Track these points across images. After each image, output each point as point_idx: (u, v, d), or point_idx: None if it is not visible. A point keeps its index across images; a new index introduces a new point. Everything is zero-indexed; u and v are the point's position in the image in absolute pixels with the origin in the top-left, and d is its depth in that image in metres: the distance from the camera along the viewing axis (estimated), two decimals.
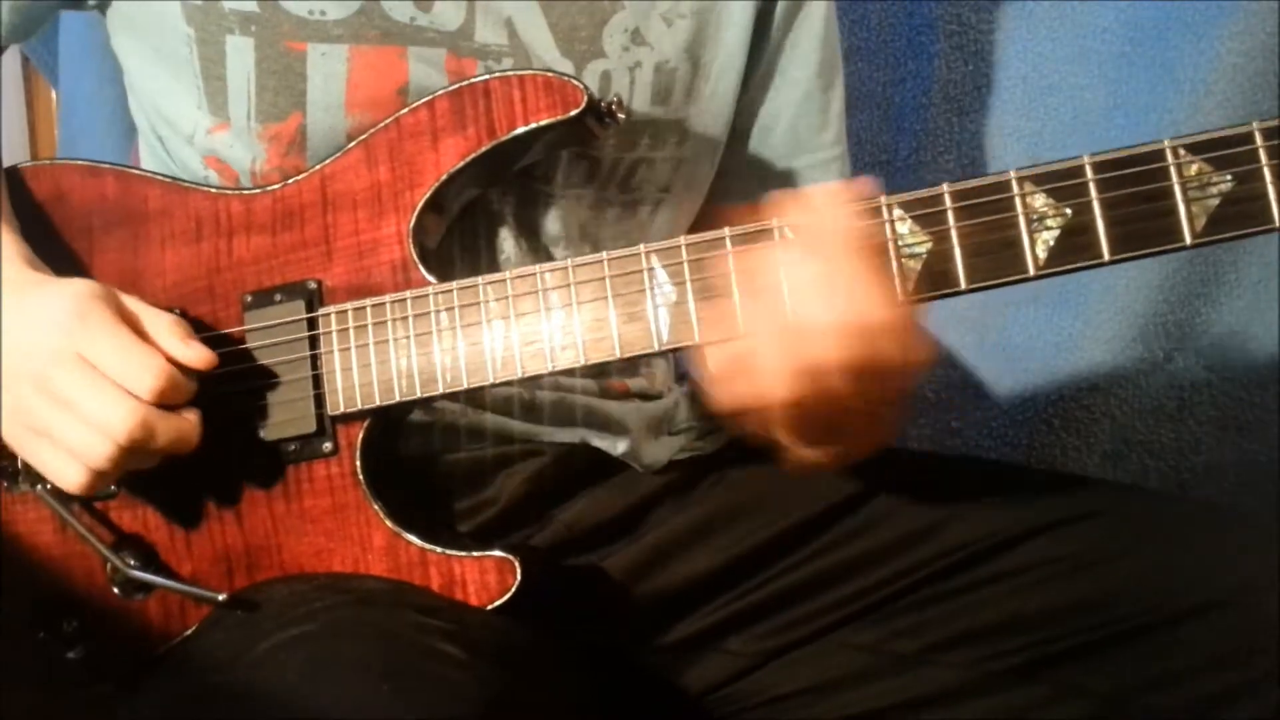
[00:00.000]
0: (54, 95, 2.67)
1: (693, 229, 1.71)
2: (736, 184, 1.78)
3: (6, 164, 1.62)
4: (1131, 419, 2.28)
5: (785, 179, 1.80)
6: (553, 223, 1.62)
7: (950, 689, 1.57)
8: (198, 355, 1.43)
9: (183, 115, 1.58)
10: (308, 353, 1.48)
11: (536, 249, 1.61)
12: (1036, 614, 1.55)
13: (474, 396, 1.57)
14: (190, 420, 1.42)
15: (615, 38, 1.57)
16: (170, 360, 1.41)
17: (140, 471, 1.44)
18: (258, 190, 1.55)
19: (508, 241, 1.59)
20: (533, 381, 1.58)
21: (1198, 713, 1.49)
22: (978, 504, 1.61)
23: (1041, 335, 2.29)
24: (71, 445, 1.39)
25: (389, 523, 1.47)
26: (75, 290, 1.42)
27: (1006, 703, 1.55)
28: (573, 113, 1.45)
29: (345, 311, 1.47)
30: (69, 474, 1.41)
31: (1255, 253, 2.18)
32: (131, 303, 1.45)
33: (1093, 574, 1.54)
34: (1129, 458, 2.30)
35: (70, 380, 1.38)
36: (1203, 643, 1.49)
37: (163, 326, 1.44)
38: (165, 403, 1.40)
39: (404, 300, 1.45)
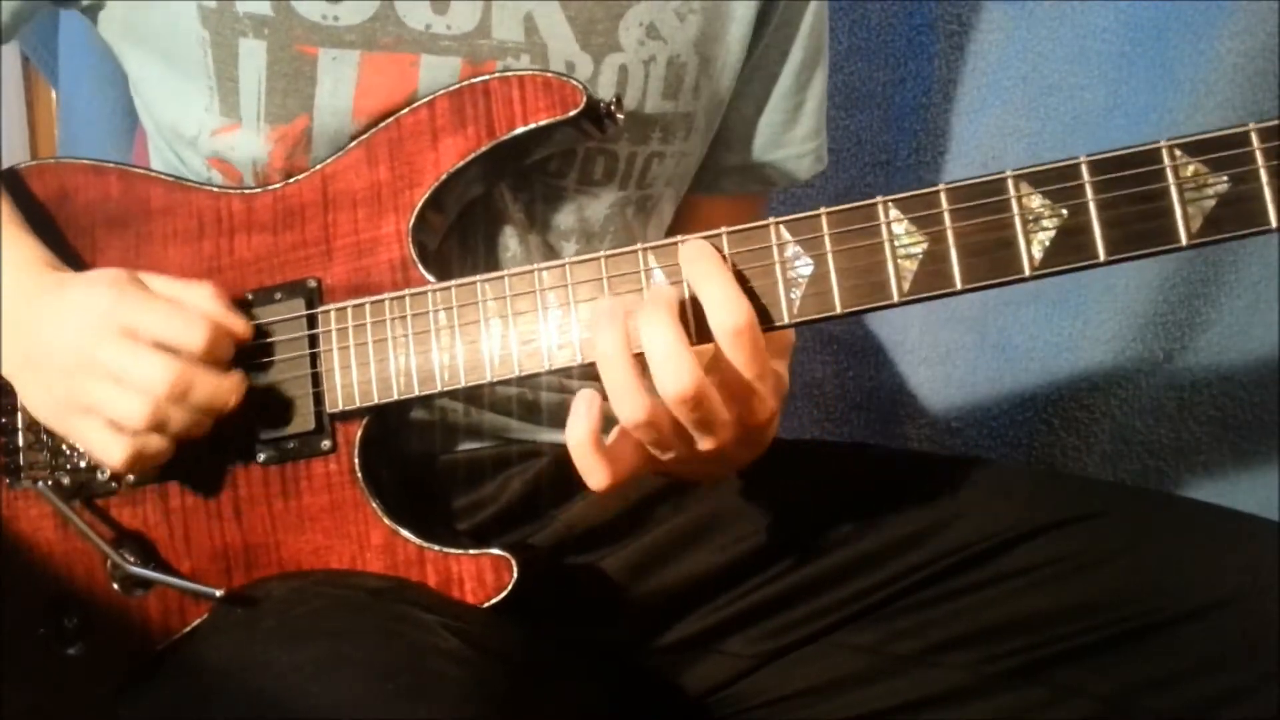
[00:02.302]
0: (54, 95, 2.68)
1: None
2: (709, 176, 1.80)
3: (7, 164, 1.62)
4: (1131, 419, 2.28)
5: (758, 172, 1.82)
6: (566, 218, 1.63)
7: (950, 690, 1.57)
8: (237, 322, 1.46)
9: (187, 119, 1.58)
10: (307, 351, 1.49)
11: (545, 246, 1.62)
12: (1037, 614, 1.55)
13: (473, 396, 1.58)
14: (231, 378, 1.44)
15: (631, 31, 1.57)
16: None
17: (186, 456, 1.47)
18: (259, 189, 1.55)
19: (512, 240, 1.60)
20: (532, 381, 1.59)
21: (1198, 713, 1.49)
22: (978, 504, 1.61)
23: (1041, 335, 2.28)
24: (114, 413, 1.41)
25: (387, 520, 1.47)
26: (107, 275, 1.45)
27: (1007, 704, 1.55)
28: (571, 113, 1.45)
29: (344, 310, 1.47)
30: (112, 450, 1.42)
31: (1255, 253, 2.18)
32: (159, 280, 1.47)
33: (1093, 574, 1.54)
34: (1129, 458, 2.30)
35: (113, 352, 1.40)
36: (1203, 643, 1.49)
37: (203, 293, 1.46)
38: (213, 358, 1.42)
39: (402, 299, 1.45)
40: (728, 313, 1.27)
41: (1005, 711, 1.55)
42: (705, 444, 1.33)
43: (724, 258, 1.32)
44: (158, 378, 1.38)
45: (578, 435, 1.32)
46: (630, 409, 1.29)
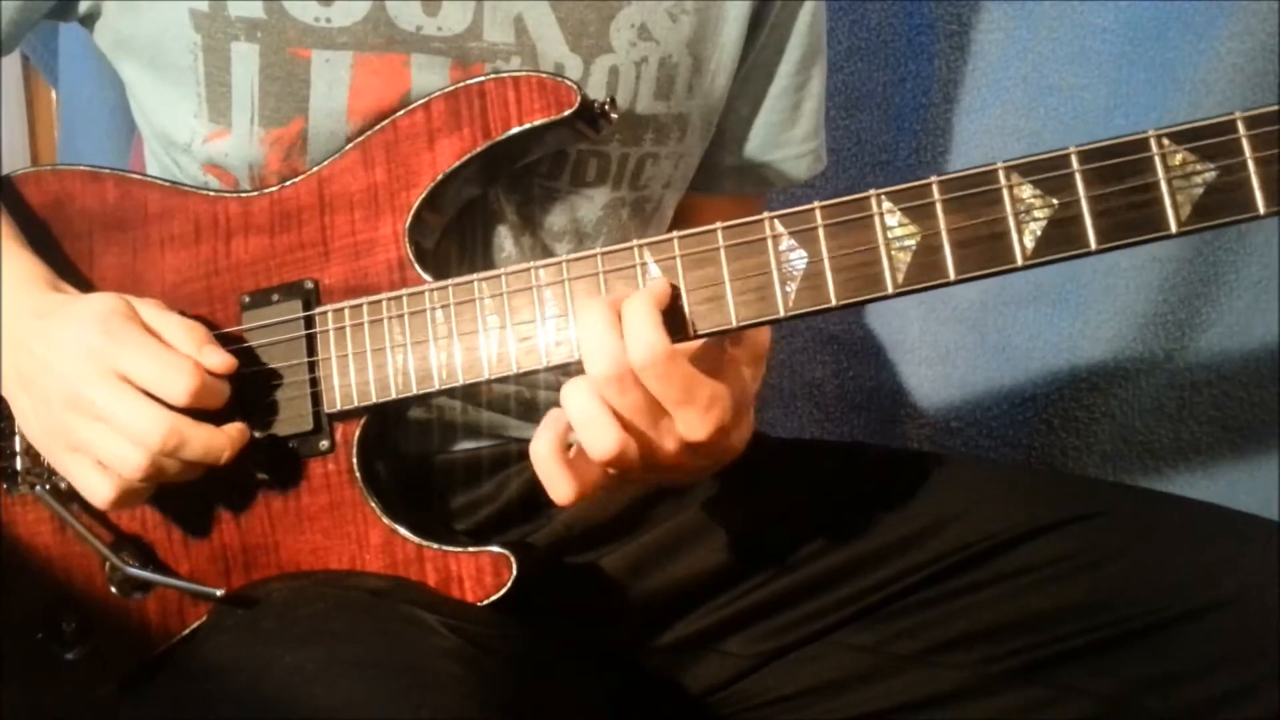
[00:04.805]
0: (54, 96, 2.68)
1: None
2: (707, 176, 1.80)
3: (6, 164, 1.62)
4: (1131, 419, 2.28)
5: (757, 173, 1.83)
6: (558, 219, 1.62)
7: (950, 690, 1.58)
8: (216, 361, 1.44)
9: (180, 125, 1.58)
10: (304, 352, 1.49)
11: (538, 246, 1.62)
12: (1036, 615, 1.55)
13: (471, 394, 1.58)
14: (225, 432, 1.43)
15: (623, 33, 1.57)
16: None
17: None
18: (255, 192, 1.55)
19: (507, 240, 1.59)
20: (529, 379, 1.59)
21: (1198, 713, 1.49)
22: (978, 504, 1.61)
23: (1041, 335, 2.29)
24: (105, 458, 1.41)
25: (385, 520, 1.47)
26: (99, 308, 1.43)
27: (1007, 704, 1.56)
28: (566, 113, 1.45)
29: (342, 310, 1.48)
30: (100, 489, 1.42)
31: (1255, 252, 2.19)
32: (149, 312, 1.46)
33: (1093, 574, 1.54)
34: (1129, 458, 2.31)
35: (104, 396, 1.39)
36: (1203, 643, 1.49)
37: (181, 334, 1.44)
38: (201, 405, 1.41)
39: (400, 299, 1.45)
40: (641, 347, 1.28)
41: (1005, 711, 1.56)
42: (666, 445, 1.34)
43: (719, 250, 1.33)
44: (151, 430, 1.38)
45: (541, 449, 1.33)
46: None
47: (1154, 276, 2.20)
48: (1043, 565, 1.56)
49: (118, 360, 1.39)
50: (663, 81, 1.60)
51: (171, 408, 1.40)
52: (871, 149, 2.37)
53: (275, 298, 1.51)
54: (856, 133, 2.37)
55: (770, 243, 1.31)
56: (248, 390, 1.48)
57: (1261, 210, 1.18)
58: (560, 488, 1.34)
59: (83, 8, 1.61)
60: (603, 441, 1.28)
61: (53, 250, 1.58)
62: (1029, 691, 1.55)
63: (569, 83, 1.46)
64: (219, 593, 1.46)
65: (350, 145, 1.53)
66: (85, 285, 1.57)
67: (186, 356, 1.42)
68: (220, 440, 1.42)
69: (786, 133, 1.80)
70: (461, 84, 1.50)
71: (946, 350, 2.37)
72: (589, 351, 1.28)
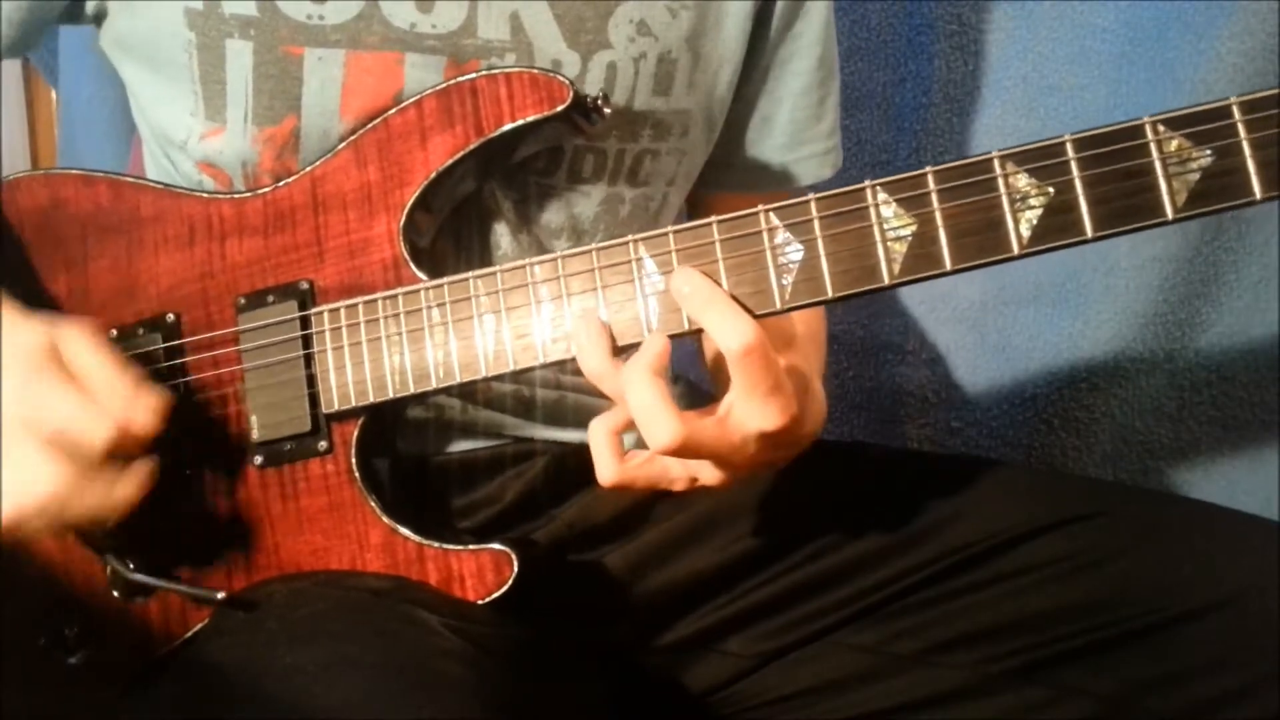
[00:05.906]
0: (54, 97, 2.68)
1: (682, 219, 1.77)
2: (731, 174, 1.80)
3: (6, 165, 1.63)
4: (1131, 419, 2.28)
5: (782, 171, 1.82)
6: (555, 216, 1.62)
7: (950, 690, 1.57)
8: (143, 411, 1.37)
9: (176, 123, 1.58)
10: (301, 352, 1.48)
11: (535, 244, 1.62)
12: (1036, 615, 1.55)
13: (469, 393, 1.58)
14: (122, 486, 1.37)
15: (621, 28, 1.57)
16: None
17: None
18: (249, 194, 1.55)
19: (504, 237, 1.59)
20: (527, 378, 1.60)
21: (1199, 713, 1.48)
22: (978, 504, 1.61)
23: (1041, 335, 2.29)
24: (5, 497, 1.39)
25: (385, 519, 1.47)
26: (23, 346, 1.37)
27: (1007, 704, 1.55)
28: (559, 108, 1.45)
29: (337, 310, 1.47)
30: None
31: (1255, 252, 2.19)
32: (80, 350, 1.39)
33: (1093, 575, 1.54)
34: (1129, 458, 2.31)
35: (10, 440, 1.34)
36: (1203, 643, 1.49)
37: (108, 381, 1.37)
38: (120, 453, 1.36)
39: (395, 298, 1.45)
40: (734, 335, 1.27)
41: (1005, 711, 1.55)
42: (727, 468, 1.36)
43: (714, 244, 1.33)
44: (39, 486, 1.33)
45: (598, 424, 1.36)
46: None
47: (1154, 276, 2.21)
48: (1043, 565, 1.55)
49: (32, 407, 1.35)
50: (661, 77, 1.60)
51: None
52: (871, 149, 2.37)
53: (270, 299, 1.51)
54: (856, 133, 2.37)
55: (766, 235, 1.31)
56: (246, 392, 1.48)
57: (1258, 195, 1.18)
58: (604, 468, 1.36)
59: (90, 7, 1.61)
60: (662, 431, 1.28)
61: (49, 254, 1.58)
62: (1029, 691, 1.55)
63: (561, 78, 1.46)
64: (220, 595, 1.46)
65: (343, 144, 1.52)
66: (81, 290, 1.58)
67: (101, 411, 1.35)
68: (112, 499, 1.36)
69: (812, 129, 1.81)
70: (453, 81, 1.50)
71: (946, 350, 2.37)
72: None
